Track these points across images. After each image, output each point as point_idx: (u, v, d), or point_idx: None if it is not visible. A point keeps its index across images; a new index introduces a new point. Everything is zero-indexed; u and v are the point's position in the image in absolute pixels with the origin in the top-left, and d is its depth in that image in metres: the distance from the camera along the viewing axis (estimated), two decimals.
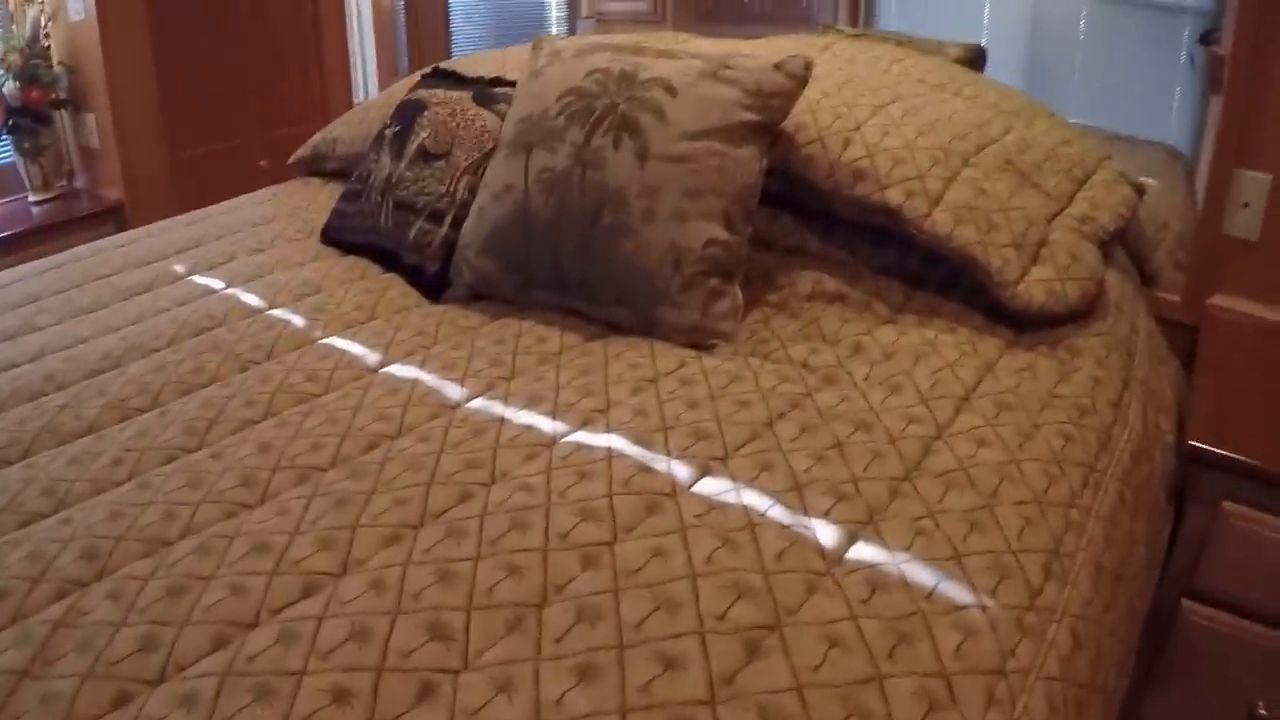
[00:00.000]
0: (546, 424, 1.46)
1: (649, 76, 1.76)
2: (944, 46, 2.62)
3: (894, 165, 1.80)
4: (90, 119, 3.81)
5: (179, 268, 2.38)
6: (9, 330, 2.17)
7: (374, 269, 2.19)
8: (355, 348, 1.81)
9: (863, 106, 1.95)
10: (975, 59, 2.63)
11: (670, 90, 1.73)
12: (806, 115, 1.91)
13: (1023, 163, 1.94)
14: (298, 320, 1.96)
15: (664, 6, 4.15)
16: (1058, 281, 1.72)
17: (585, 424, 1.45)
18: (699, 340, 1.68)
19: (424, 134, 2.14)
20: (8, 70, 3.63)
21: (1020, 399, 1.51)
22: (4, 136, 3.76)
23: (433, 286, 2.03)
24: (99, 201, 3.84)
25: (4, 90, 3.64)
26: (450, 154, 2.08)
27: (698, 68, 1.76)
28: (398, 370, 1.70)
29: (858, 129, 1.88)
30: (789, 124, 1.88)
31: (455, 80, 2.29)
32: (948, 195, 1.77)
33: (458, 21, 4.55)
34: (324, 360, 1.77)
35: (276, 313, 2.01)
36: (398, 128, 2.22)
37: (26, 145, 3.76)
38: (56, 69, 3.79)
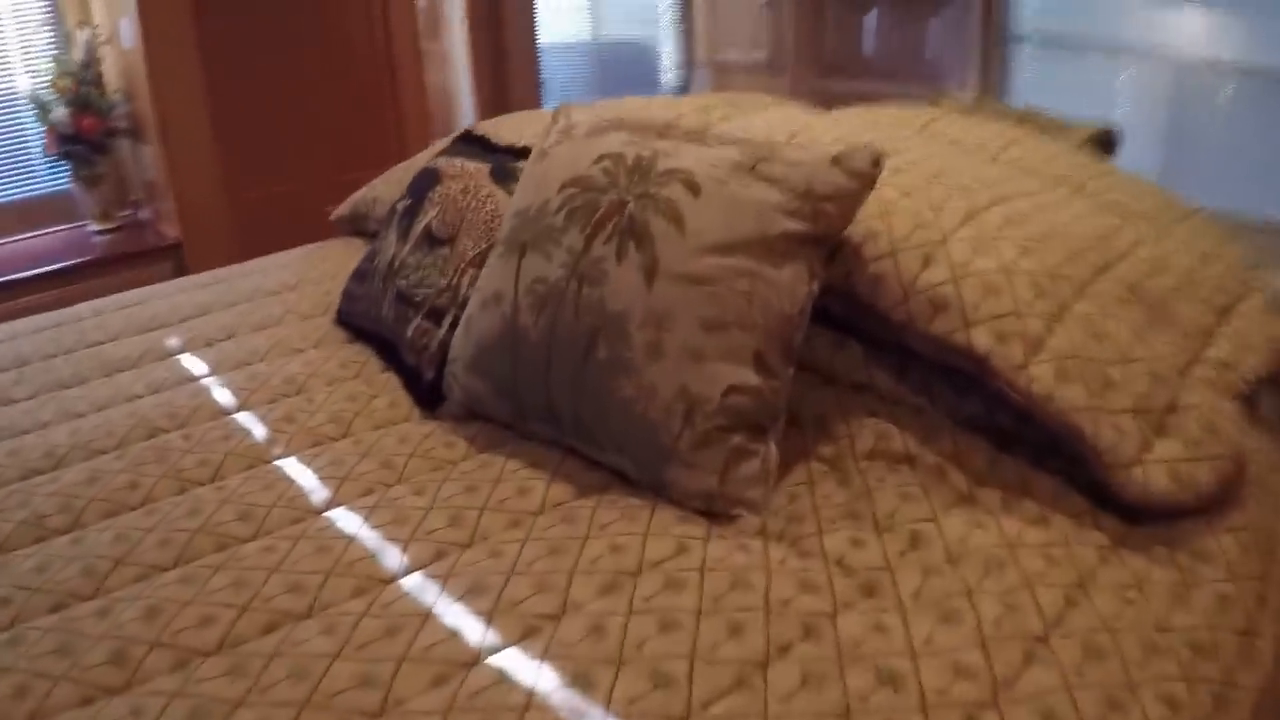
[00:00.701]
0: (476, 631, 1.16)
1: (668, 168, 1.43)
2: (1070, 127, 2.24)
3: (985, 295, 1.43)
4: (149, 151, 3.68)
5: (173, 341, 2.21)
6: None
7: (374, 365, 1.95)
8: (307, 477, 1.56)
9: (953, 211, 1.58)
10: (1106, 142, 2.23)
11: (692, 188, 1.40)
12: (878, 220, 1.56)
13: (1153, 291, 1.56)
14: (260, 431, 1.73)
15: (784, 57, 3.84)
16: (1186, 462, 1.34)
17: (523, 637, 1.14)
18: (717, 509, 1.35)
19: (432, 213, 1.87)
20: (60, 95, 3.52)
21: (1117, 639, 1.14)
22: (61, 163, 3.65)
23: (428, 396, 1.75)
24: (160, 237, 3.74)
25: (56, 117, 3.52)
26: (457, 240, 1.80)
27: (730, 159, 1.43)
28: (341, 519, 1.43)
29: (943, 242, 1.51)
30: (855, 230, 1.54)
31: (481, 147, 2.01)
32: (1052, 340, 1.39)
33: (553, 65, 4.22)
34: (267, 491, 1.53)
35: (242, 418, 1.80)
36: (409, 202, 1.96)
37: (83, 173, 3.66)
38: (113, 97, 3.67)
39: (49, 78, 3.63)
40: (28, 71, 3.73)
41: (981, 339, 1.39)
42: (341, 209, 2.70)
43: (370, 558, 1.31)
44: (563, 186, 1.51)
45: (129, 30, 3.52)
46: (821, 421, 1.55)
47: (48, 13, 3.81)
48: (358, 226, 2.68)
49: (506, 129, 2.12)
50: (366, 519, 1.41)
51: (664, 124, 1.57)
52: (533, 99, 4.04)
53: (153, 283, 3.14)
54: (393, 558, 1.31)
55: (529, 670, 1.08)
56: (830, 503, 1.38)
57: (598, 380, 1.39)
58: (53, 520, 1.55)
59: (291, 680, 1.10)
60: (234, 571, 1.32)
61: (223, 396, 1.89)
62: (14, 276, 3.48)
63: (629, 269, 1.37)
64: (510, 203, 1.66)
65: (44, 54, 3.74)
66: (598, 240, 1.42)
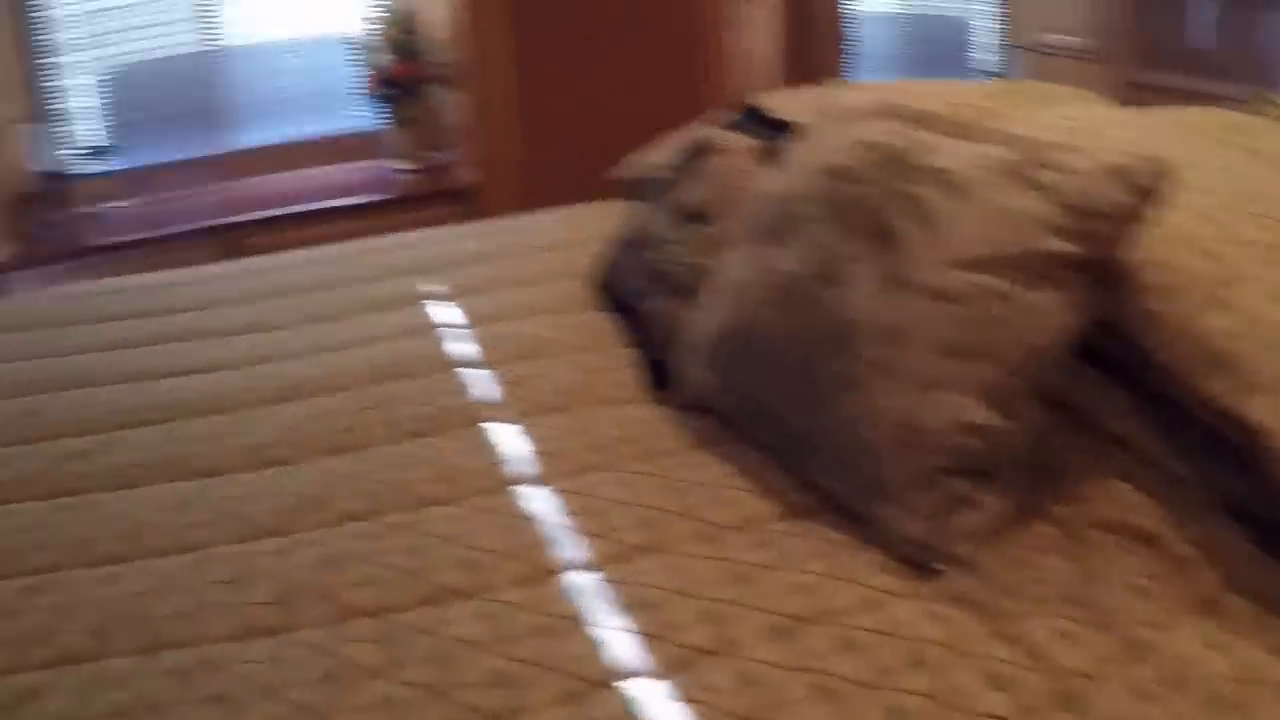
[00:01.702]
0: (625, 651, 1.08)
1: (925, 164, 1.28)
2: None
3: (1276, 357, 1.19)
4: (458, 98, 3.83)
5: (431, 287, 2.26)
6: (232, 325, 2.23)
7: (614, 337, 1.92)
8: (516, 447, 1.54)
9: (1253, 246, 1.30)
10: None
11: (951, 189, 1.24)
12: (1160, 247, 1.32)
13: None
14: (486, 391, 1.74)
15: (1111, 44, 3.53)
16: None
17: (670, 670, 1.05)
18: (923, 559, 1.20)
19: (695, 188, 1.79)
20: (385, 42, 3.73)
21: None
22: (378, 103, 3.89)
23: (657, 378, 1.69)
24: (456, 182, 3.86)
25: (379, 61, 3.73)
26: (714, 218, 1.72)
27: (996, 159, 1.25)
28: (534, 498, 1.40)
29: (1235, 283, 1.25)
30: (1131, 256, 1.32)
31: (760, 122, 1.91)
32: None
33: (863, 37, 4.01)
34: (473, 455, 1.53)
35: (474, 374, 1.81)
36: (675, 173, 1.90)
37: (398, 116, 3.89)
38: (434, 45, 3.86)
39: (376, 24, 3.87)
40: (359, 17, 3.98)
41: (1260, 410, 1.14)
42: (621, 170, 2.68)
43: (548, 545, 1.27)
44: (817, 173, 1.39)
45: None
46: (1062, 474, 1.34)
47: None
48: (634, 190, 2.65)
49: (787, 104, 2.01)
50: (559, 503, 1.36)
51: (931, 114, 1.42)
52: (839, 71, 3.90)
53: (446, 224, 3.27)
54: (570, 550, 1.26)
55: (661, 708, 1.00)
56: (1049, 578, 1.18)
57: (823, 392, 1.27)
58: (270, 451, 1.62)
59: (429, 663, 1.08)
60: (414, 535, 1.32)
61: (462, 350, 1.92)
62: (320, 205, 3.74)
63: (870, 274, 1.25)
64: (766, 184, 1.56)
65: (374, 2, 3.95)
66: (844, 237, 1.30)
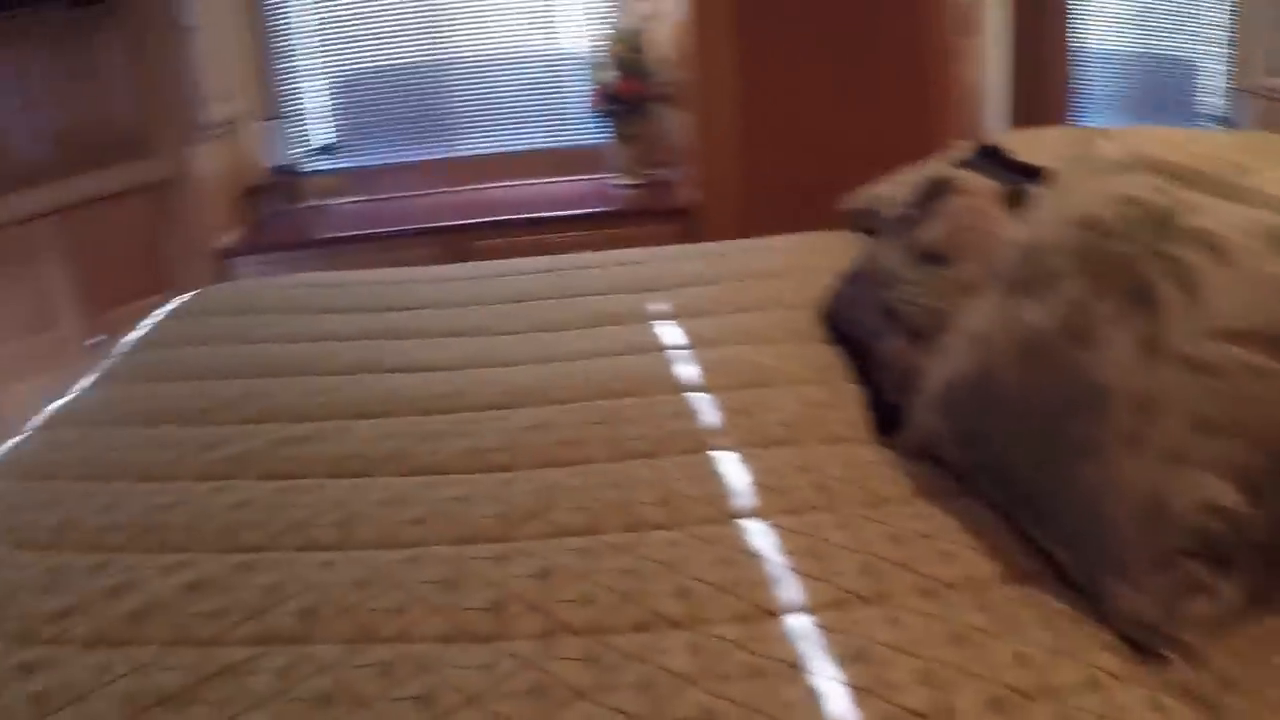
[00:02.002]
0: (838, 705, 1.06)
1: (1191, 225, 1.22)
2: None
3: None
4: (681, 118, 3.88)
5: (658, 306, 2.30)
6: (459, 326, 2.31)
7: (842, 373, 1.91)
8: (740, 478, 1.55)
9: None
10: None
11: (1216, 254, 1.18)
12: None
13: None
14: (710, 418, 1.76)
15: None
16: None
17: None
18: (1147, 642, 1.14)
19: (934, 228, 1.77)
20: (611, 59, 3.81)
21: None
22: (602, 119, 3.95)
23: (887, 420, 1.67)
24: (676, 200, 3.92)
25: (605, 77, 3.82)
26: (953, 261, 1.70)
27: (1267, 225, 1.19)
28: (756, 532, 1.40)
29: None
30: None
31: (998, 162, 1.88)
32: None
33: (1089, 76, 3.84)
34: (695, 482, 1.54)
35: (698, 398, 1.84)
36: (913, 211, 1.88)
37: (620, 131, 3.97)
38: (657, 64, 3.92)
39: (603, 41, 3.98)
40: (587, 34, 4.11)
41: None
42: (849, 201, 2.67)
43: (767, 584, 1.27)
44: (1071, 225, 1.35)
45: (679, 4, 3.71)
46: None
47: None
48: (862, 222, 2.63)
49: (1026, 145, 1.96)
50: (780, 541, 1.36)
51: (1193, 169, 1.35)
52: (1064, 109, 3.77)
53: (663, 241, 3.32)
54: (790, 591, 1.25)
55: None
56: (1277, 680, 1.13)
57: (1062, 455, 1.24)
58: (491, 456, 1.68)
59: (636, 690, 1.09)
60: (633, 557, 1.34)
61: (687, 372, 1.94)
62: (544, 215, 3.84)
63: (1126, 338, 1.20)
64: (1014, 232, 1.53)
65: (603, 19, 4.10)
66: (1097, 295, 1.26)
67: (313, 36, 4.46)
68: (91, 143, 3.71)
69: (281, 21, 4.44)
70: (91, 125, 3.72)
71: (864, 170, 2.70)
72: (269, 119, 4.46)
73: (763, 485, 1.50)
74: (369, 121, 4.59)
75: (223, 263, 4.02)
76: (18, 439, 2.02)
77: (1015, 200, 1.67)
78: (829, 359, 1.95)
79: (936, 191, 1.86)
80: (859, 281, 2.00)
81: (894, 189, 2.45)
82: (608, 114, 4.01)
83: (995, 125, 3.00)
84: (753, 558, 1.32)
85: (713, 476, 1.54)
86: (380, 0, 4.42)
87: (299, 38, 4.46)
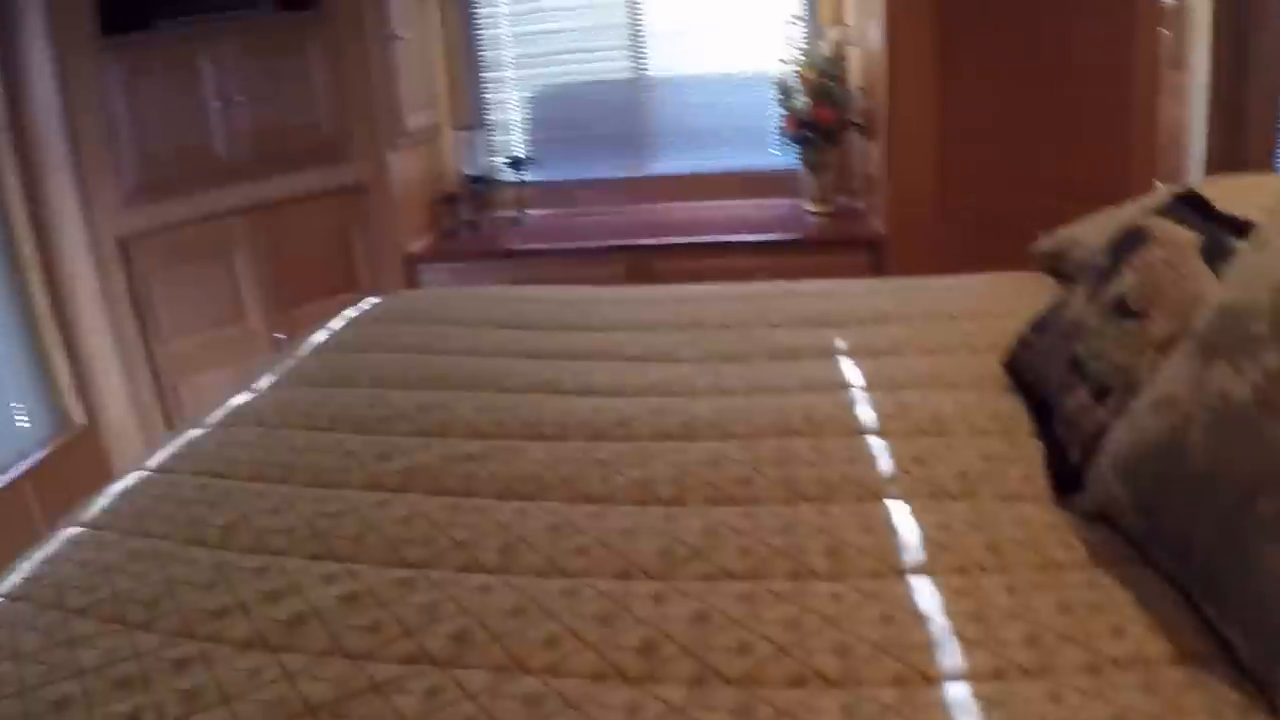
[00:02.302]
0: None
1: None
2: None
3: None
4: (874, 147, 3.85)
5: (840, 342, 2.30)
6: (637, 351, 2.36)
7: (1024, 426, 1.86)
8: (910, 531, 1.53)
9: None
10: None
11: None
12: None
13: None
14: (885, 465, 1.74)
15: None
16: None
17: None
18: None
19: (1128, 280, 1.71)
20: (804, 85, 3.81)
21: None
22: (793, 145, 3.95)
23: (1066, 479, 1.63)
24: (866, 230, 3.92)
25: (797, 103, 3.82)
26: (1147, 316, 1.64)
27: None
28: (922, 590, 1.38)
29: None
30: None
31: (1198, 211, 1.80)
32: None
33: None
34: (865, 533, 1.53)
35: (874, 443, 1.82)
36: (1107, 260, 1.83)
37: (811, 158, 3.97)
38: (853, 92, 3.90)
39: (797, 67, 3.99)
40: (780, 59, 4.10)
41: None
42: (1042, 243, 2.60)
43: (928, 647, 1.25)
44: (1274, 290, 1.30)
45: (875, 33, 3.73)
46: None
47: (804, 7, 4.23)
48: (1054, 265, 2.56)
49: (1230, 194, 1.87)
50: (946, 601, 1.34)
51: None
52: (1268, 155, 3.58)
53: (850, 271, 3.30)
54: (951, 656, 1.23)
55: None
56: None
57: (1250, 535, 1.19)
58: (660, 489, 1.70)
59: None
60: (794, 607, 1.34)
61: (865, 414, 1.93)
62: (730, 239, 3.86)
63: None
64: (1214, 291, 1.47)
65: (796, 45, 4.11)
66: None
67: (512, 49, 4.62)
68: (291, 144, 3.95)
69: (482, 34, 4.61)
70: (292, 127, 3.95)
71: (1060, 208, 2.64)
72: (465, 129, 4.62)
73: (933, 540, 1.48)
74: (562, 136, 4.72)
75: (411, 268, 4.18)
76: (196, 433, 2.14)
77: (1215, 255, 1.61)
78: (1011, 409, 1.90)
79: (1132, 240, 1.80)
80: (1046, 330, 1.96)
81: (1089, 232, 2.38)
82: (800, 140, 4.01)
83: (1194, 168, 2.87)
84: (916, 618, 1.31)
85: (883, 528, 1.53)
86: (580, 17, 4.53)
87: (498, 50, 4.62)
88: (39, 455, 3.52)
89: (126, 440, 3.83)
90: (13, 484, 3.35)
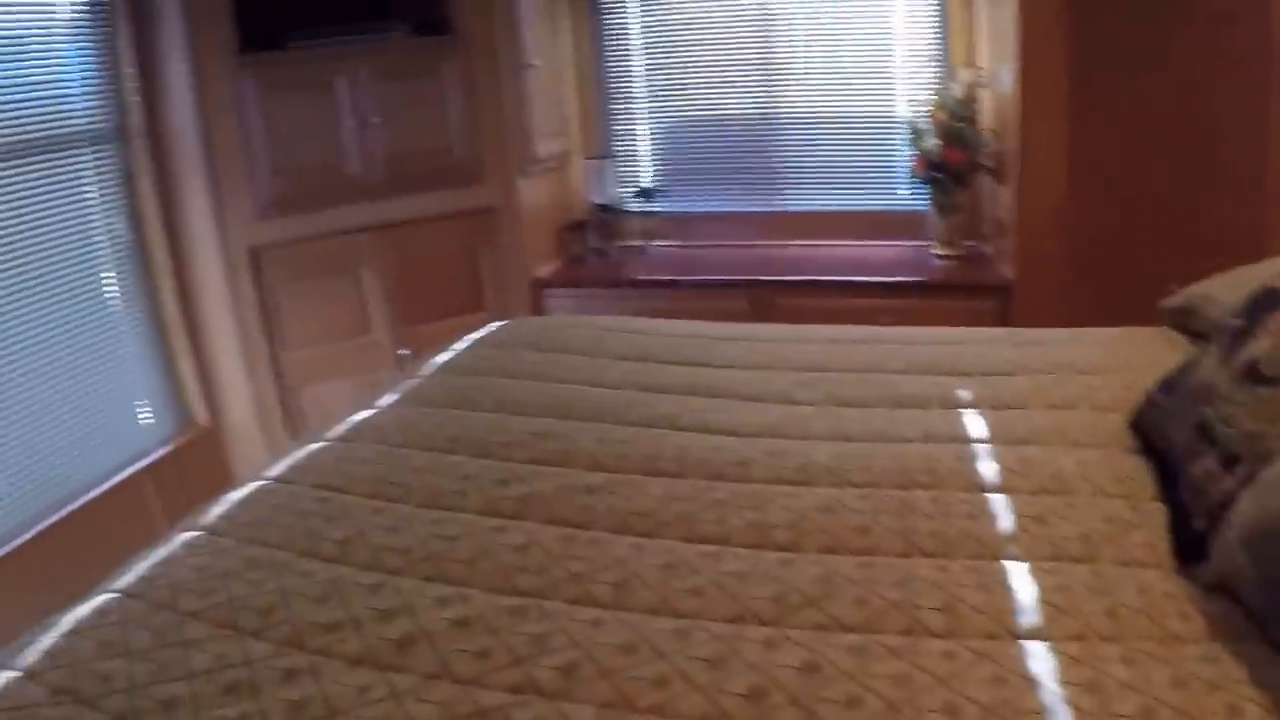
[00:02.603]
0: None
1: None
2: None
3: None
4: (1004, 191, 3.82)
5: (963, 393, 2.29)
6: (757, 391, 2.39)
7: (1148, 489, 1.83)
8: (1028, 592, 1.53)
9: None
10: None
11: None
12: None
13: None
14: (1005, 523, 1.73)
15: None
16: None
17: None
18: None
19: (1263, 343, 1.69)
20: (935, 127, 3.81)
21: None
22: (921, 187, 3.94)
23: (1188, 547, 1.61)
24: (994, 275, 3.89)
25: (927, 145, 3.82)
26: None
27: None
28: (1035, 655, 1.37)
29: None
30: None
31: None
32: None
33: None
34: (981, 591, 1.53)
35: (995, 500, 1.82)
36: (1240, 322, 1.80)
37: (939, 200, 3.96)
38: (984, 135, 3.88)
39: (928, 108, 4.01)
40: (911, 99, 4.12)
41: None
42: (1173, 299, 2.57)
43: (1040, 714, 1.25)
44: None
45: (1008, 76, 3.70)
46: None
47: (936, 49, 4.23)
48: (1185, 322, 2.52)
49: None
50: (1060, 668, 1.34)
51: None
52: None
53: (976, 317, 3.29)
54: None
55: None
56: None
57: None
58: (776, 534, 1.73)
59: None
60: (905, 663, 1.35)
61: (986, 469, 1.92)
62: (855, 279, 3.86)
63: None
64: None
65: (927, 86, 4.12)
66: None
67: (644, 81, 4.71)
68: (423, 166, 4.08)
69: (615, 64, 4.69)
70: (424, 150, 4.09)
71: (1193, 262, 2.60)
72: (595, 158, 4.71)
73: (1050, 604, 1.48)
74: (691, 168, 4.78)
75: (537, 292, 4.27)
76: (317, 446, 2.22)
77: None
78: (1136, 471, 1.88)
79: (1269, 301, 1.77)
80: (1175, 391, 1.93)
81: (1222, 289, 2.34)
82: (929, 181, 4.01)
83: None
84: (1029, 682, 1.31)
85: (1000, 587, 1.53)
86: (713, 50, 4.59)
87: (630, 81, 4.70)
88: (160, 453, 3.72)
89: (247, 443, 4.01)
90: (133, 478, 3.56)
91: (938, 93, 4.08)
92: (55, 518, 3.22)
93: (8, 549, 3.05)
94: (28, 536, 3.12)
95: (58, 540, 3.19)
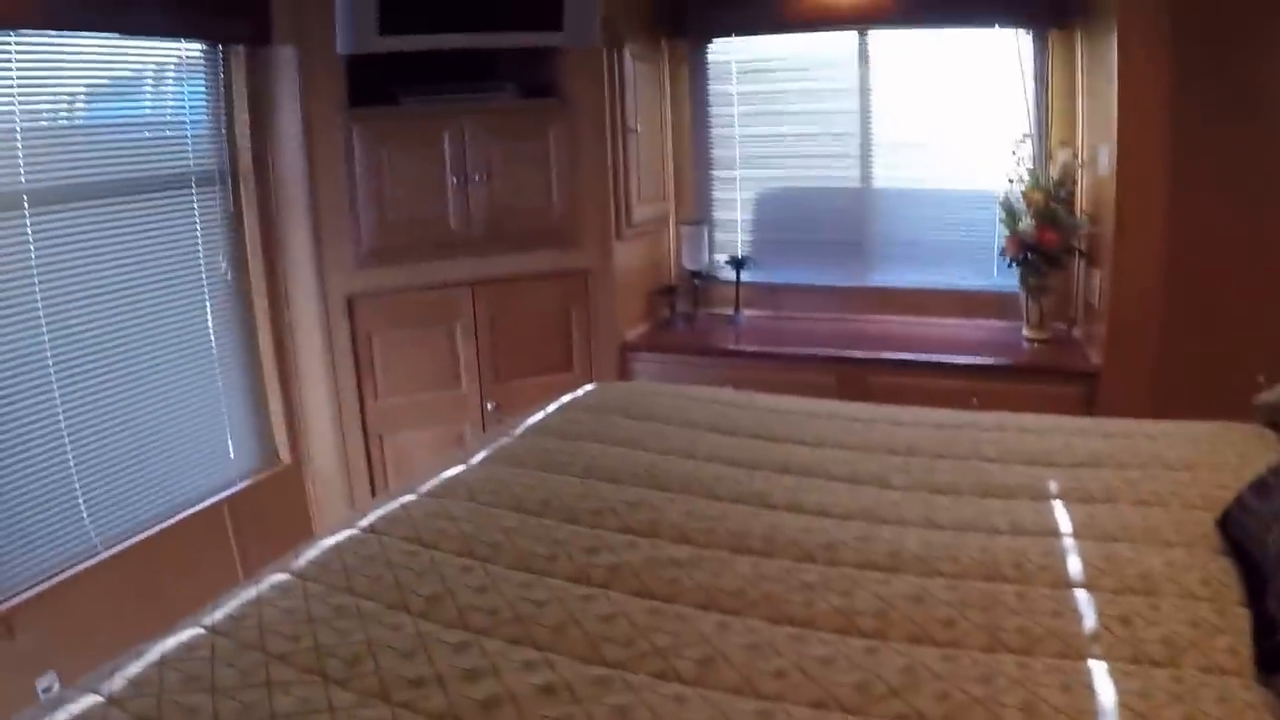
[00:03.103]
0: None
1: None
2: None
3: None
4: (1097, 275, 3.83)
5: (1053, 484, 2.30)
6: (847, 472, 2.42)
7: (1235, 593, 1.84)
8: (1108, 695, 1.54)
9: None
10: None
11: None
12: None
13: None
14: (1089, 622, 1.75)
15: None
16: None
17: None
18: None
19: None
20: (1029, 207, 3.83)
21: None
22: (1013, 267, 3.96)
23: (1273, 656, 1.63)
24: (1083, 361, 3.90)
25: (1021, 225, 3.84)
26: None
27: None
28: None
29: None
30: None
31: None
32: None
33: None
34: (1063, 692, 1.54)
35: (1080, 597, 1.84)
36: None
37: (1031, 281, 3.97)
38: (1080, 218, 3.90)
39: (1023, 188, 4.03)
40: (1007, 178, 4.14)
41: None
42: (1266, 396, 2.57)
43: None
44: None
45: (1106, 158, 3.72)
46: None
47: (1034, 127, 4.25)
48: (1276, 420, 2.52)
49: None
50: None
51: None
52: None
53: (1064, 402, 3.30)
54: None
55: None
56: None
57: None
58: (862, 621, 1.76)
59: None
60: None
61: (1073, 565, 1.94)
62: (943, 359, 3.90)
63: None
64: None
65: (1024, 165, 4.13)
66: None
67: (742, 149, 4.80)
68: (522, 225, 4.19)
69: (714, 132, 4.78)
70: (525, 208, 4.20)
71: None
72: (690, 224, 4.80)
73: (1130, 709, 1.49)
74: (784, 238, 4.86)
75: (625, 355, 4.34)
76: (409, 498, 2.28)
77: None
78: (1222, 573, 1.88)
79: None
80: (1264, 493, 1.94)
81: None
82: (1021, 262, 4.03)
83: None
84: None
85: (1081, 688, 1.55)
86: (812, 122, 4.69)
87: (729, 149, 4.80)
88: (242, 485, 3.87)
89: (327, 484, 4.14)
90: (214, 508, 3.71)
91: (1034, 172, 4.11)
92: (139, 537, 3.39)
93: (94, 561, 3.22)
94: (113, 551, 3.29)
95: (139, 559, 3.36)
